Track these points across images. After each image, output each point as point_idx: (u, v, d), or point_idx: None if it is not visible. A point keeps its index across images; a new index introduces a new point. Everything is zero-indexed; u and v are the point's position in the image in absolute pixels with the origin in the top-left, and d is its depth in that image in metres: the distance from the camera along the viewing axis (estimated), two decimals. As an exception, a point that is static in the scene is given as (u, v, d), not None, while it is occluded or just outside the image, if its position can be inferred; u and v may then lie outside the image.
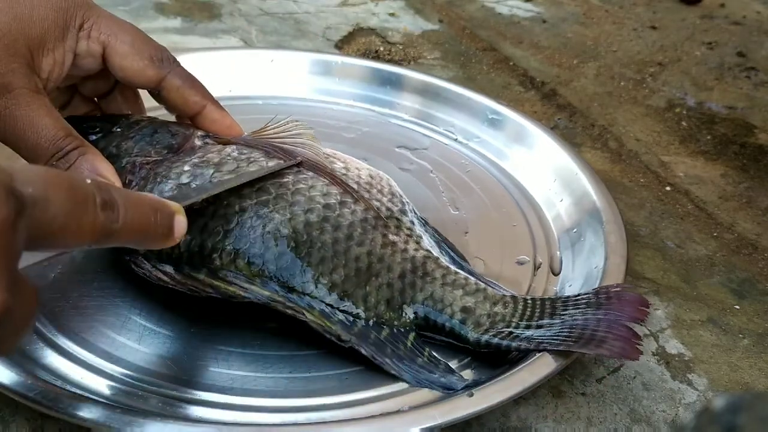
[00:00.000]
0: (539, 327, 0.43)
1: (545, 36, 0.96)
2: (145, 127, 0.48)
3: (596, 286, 0.47)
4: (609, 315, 0.43)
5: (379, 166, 0.61)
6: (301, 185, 0.45)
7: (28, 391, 0.37)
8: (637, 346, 0.41)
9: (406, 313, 0.44)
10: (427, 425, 0.37)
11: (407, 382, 0.42)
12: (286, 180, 0.45)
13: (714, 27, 1.01)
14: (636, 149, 0.72)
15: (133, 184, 0.45)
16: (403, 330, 0.44)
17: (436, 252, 0.47)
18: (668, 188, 0.67)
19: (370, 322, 0.43)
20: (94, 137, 0.48)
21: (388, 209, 0.47)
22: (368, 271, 0.44)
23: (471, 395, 0.39)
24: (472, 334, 0.43)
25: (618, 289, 0.45)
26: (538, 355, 0.42)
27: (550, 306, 0.44)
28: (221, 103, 0.50)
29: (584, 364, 0.47)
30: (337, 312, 0.43)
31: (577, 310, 0.44)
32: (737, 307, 0.54)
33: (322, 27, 0.92)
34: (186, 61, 0.50)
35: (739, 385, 0.47)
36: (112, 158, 0.46)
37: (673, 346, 0.50)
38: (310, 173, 0.46)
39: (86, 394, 0.39)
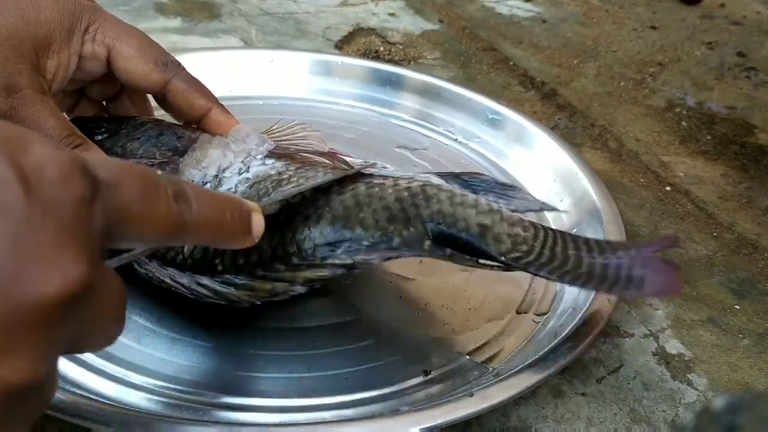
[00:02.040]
0: (566, 260, 0.40)
1: (545, 36, 0.96)
2: (151, 129, 0.48)
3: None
4: (641, 251, 0.39)
5: (379, 166, 0.61)
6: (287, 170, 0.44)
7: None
8: (677, 278, 0.38)
9: (415, 227, 0.41)
10: (427, 425, 0.37)
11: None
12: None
13: (714, 27, 1.01)
14: (636, 149, 0.72)
15: None
16: (416, 237, 0.41)
17: (436, 180, 0.43)
18: (668, 188, 0.67)
19: (376, 236, 0.41)
20: (99, 137, 0.48)
21: (372, 173, 0.44)
22: (357, 206, 0.41)
23: (471, 395, 0.39)
24: (493, 249, 0.40)
25: (639, 241, 0.42)
26: (537, 355, 0.42)
27: (572, 241, 0.41)
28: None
29: (584, 364, 0.47)
30: (337, 247, 0.41)
31: (604, 252, 0.40)
32: (737, 307, 0.54)
33: (322, 27, 0.92)
34: (186, 61, 0.50)
35: (739, 385, 0.47)
36: (117, 159, 0.46)
37: (673, 346, 0.50)
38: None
39: (86, 394, 0.39)
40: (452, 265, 0.51)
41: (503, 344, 0.46)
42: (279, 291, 0.42)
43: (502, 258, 0.40)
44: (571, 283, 0.40)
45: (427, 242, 0.41)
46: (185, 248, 0.42)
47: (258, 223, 0.34)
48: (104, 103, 0.52)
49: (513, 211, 0.43)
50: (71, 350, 0.25)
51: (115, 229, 0.26)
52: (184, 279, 0.42)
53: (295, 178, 0.44)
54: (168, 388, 0.41)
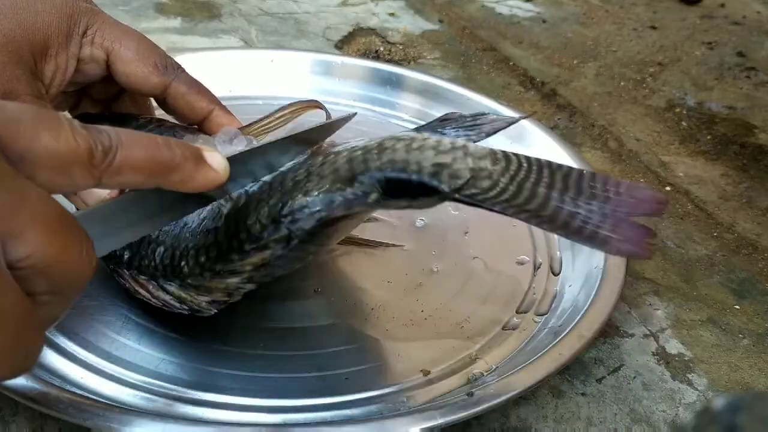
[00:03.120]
0: (533, 196, 0.36)
1: (545, 36, 0.96)
2: (152, 130, 0.48)
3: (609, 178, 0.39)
4: (617, 212, 0.36)
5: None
6: None
7: (28, 390, 0.37)
8: (649, 245, 0.35)
9: (360, 182, 0.37)
10: (427, 425, 0.37)
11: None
12: None
13: (714, 27, 1.01)
14: (636, 149, 0.72)
15: None
16: (360, 193, 0.37)
17: (404, 135, 0.40)
18: (668, 188, 0.67)
19: (317, 201, 0.38)
20: None
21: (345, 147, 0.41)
22: (307, 177, 0.39)
23: (471, 395, 0.39)
24: (445, 186, 0.36)
25: (631, 184, 0.38)
26: (537, 355, 0.42)
27: (548, 176, 0.37)
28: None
29: (584, 364, 0.47)
30: (282, 221, 0.38)
31: (580, 197, 0.37)
32: (737, 307, 0.54)
33: (322, 27, 0.92)
34: (186, 61, 0.50)
35: (739, 385, 0.47)
36: None
37: (673, 346, 0.50)
38: None
39: (86, 394, 0.39)
40: (452, 265, 0.52)
41: (503, 344, 0.46)
42: (231, 288, 0.41)
43: (456, 195, 0.36)
44: (527, 221, 0.37)
45: (374, 195, 0.37)
46: (155, 254, 0.42)
47: (215, 158, 0.32)
48: (106, 103, 0.52)
49: (487, 135, 0.42)
50: None
51: (18, 157, 0.25)
52: (150, 286, 0.42)
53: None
54: (168, 388, 0.41)
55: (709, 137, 0.76)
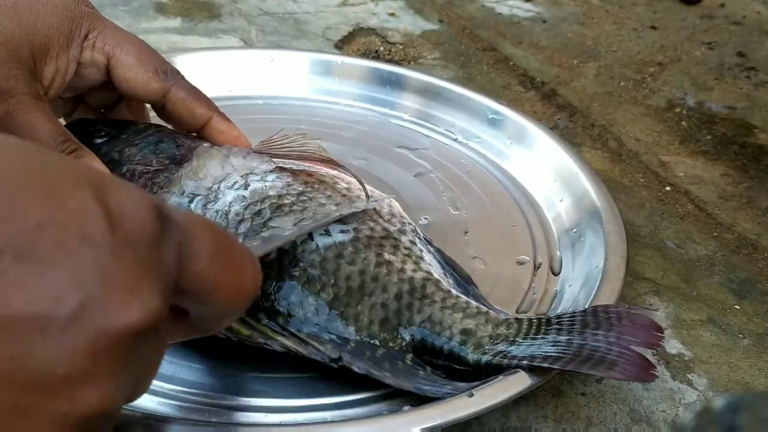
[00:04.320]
0: (545, 341, 0.41)
1: (545, 36, 0.96)
2: (151, 136, 0.48)
3: (606, 305, 0.43)
4: (621, 339, 0.40)
5: (378, 166, 0.61)
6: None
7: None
8: (651, 371, 0.39)
9: (401, 335, 0.41)
10: (427, 425, 0.37)
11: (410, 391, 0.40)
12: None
13: (714, 27, 1.01)
14: (636, 149, 0.72)
15: None
16: (398, 351, 0.41)
17: (437, 273, 0.44)
18: (668, 188, 0.67)
19: (363, 341, 0.41)
20: (98, 141, 0.47)
21: (384, 229, 0.44)
22: (360, 290, 0.41)
23: (471, 395, 0.39)
24: (472, 356, 0.41)
25: (630, 311, 0.42)
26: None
27: (556, 322, 0.42)
28: (221, 104, 0.50)
29: (584, 364, 0.47)
30: (326, 333, 0.41)
31: (587, 330, 0.41)
32: (737, 307, 0.54)
33: (322, 27, 0.92)
34: (186, 61, 0.50)
35: (739, 385, 0.47)
36: (114, 164, 0.46)
37: (673, 346, 0.50)
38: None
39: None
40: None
41: (503, 344, 0.46)
42: (256, 340, 0.41)
43: (478, 364, 0.41)
44: (541, 364, 0.40)
45: (409, 356, 0.41)
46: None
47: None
48: (102, 111, 0.52)
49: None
50: (132, 394, 0.25)
51: (189, 282, 0.26)
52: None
53: (297, 207, 0.43)
54: (167, 388, 0.41)
55: (709, 137, 0.76)
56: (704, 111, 0.81)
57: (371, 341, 0.41)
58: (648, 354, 0.40)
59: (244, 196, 0.43)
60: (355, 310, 0.41)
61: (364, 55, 0.86)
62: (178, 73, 0.48)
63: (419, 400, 0.40)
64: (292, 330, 0.40)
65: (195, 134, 0.49)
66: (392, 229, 0.45)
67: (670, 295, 0.54)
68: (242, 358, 0.43)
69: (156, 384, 0.41)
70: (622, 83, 0.85)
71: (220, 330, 0.34)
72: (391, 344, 0.41)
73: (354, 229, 0.43)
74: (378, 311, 0.41)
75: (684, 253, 0.59)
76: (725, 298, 0.55)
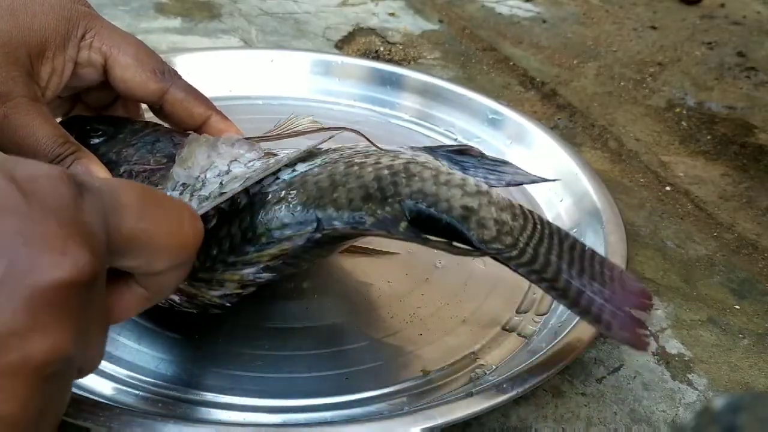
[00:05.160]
0: (547, 264, 0.38)
1: (545, 36, 0.96)
2: (149, 135, 0.48)
3: (604, 258, 0.41)
4: (613, 299, 0.38)
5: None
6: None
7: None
8: (644, 338, 0.38)
9: (391, 206, 0.38)
10: (427, 425, 0.37)
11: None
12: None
13: (714, 27, 1.01)
14: (636, 149, 0.72)
15: None
16: (391, 218, 0.38)
17: (424, 158, 0.41)
18: (668, 188, 0.67)
19: (346, 216, 0.38)
20: (96, 141, 0.47)
21: (356, 151, 0.43)
22: (332, 186, 0.39)
23: (471, 395, 0.39)
24: (475, 235, 0.37)
25: (623, 274, 0.40)
26: (538, 355, 0.42)
27: (557, 244, 0.39)
28: (221, 104, 0.50)
29: (584, 364, 0.47)
30: (308, 225, 0.39)
31: (584, 274, 0.38)
32: (737, 307, 0.54)
33: (322, 27, 0.92)
34: (186, 61, 0.50)
35: (739, 385, 0.47)
36: (112, 164, 0.46)
37: (673, 346, 0.50)
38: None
39: (86, 395, 0.39)
40: (452, 265, 0.52)
41: (503, 344, 0.46)
42: (246, 280, 0.41)
43: (483, 246, 0.37)
44: (547, 292, 0.38)
45: (403, 224, 0.38)
46: None
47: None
48: (98, 110, 0.52)
49: (507, 184, 0.42)
50: (86, 346, 0.27)
51: (118, 237, 0.28)
52: None
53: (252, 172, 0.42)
54: (168, 388, 0.41)
55: (709, 137, 0.76)
56: (704, 111, 0.81)
57: (356, 213, 0.39)
58: (639, 326, 0.38)
59: (222, 183, 0.43)
60: (331, 198, 0.39)
61: (364, 55, 0.86)
62: (176, 73, 0.48)
63: (419, 400, 0.40)
64: (275, 238, 0.40)
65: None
66: (366, 150, 0.43)
67: (670, 295, 0.54)
68: (243, 357, 0.43)
69: (155, 383, 0.41)
70: (622, 83, 0.85)
71: (172, 291, 0.36)
72: (380, 213, 0.38)
73: (321, 159, 0.42)
74: (357, 191, 0.39)
75: (684, 253, 0.59)
76: (725, 298, 0.55)
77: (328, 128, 0.46)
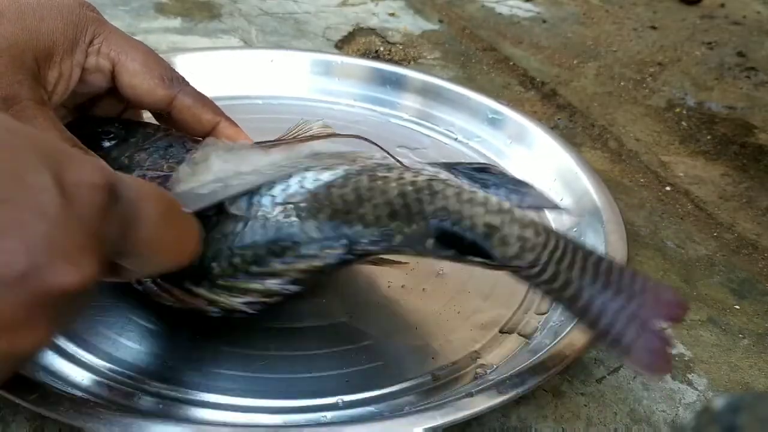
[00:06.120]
0: (567, 284, 0.38)
1: (545, 36, 0.96)
2: (161, 140, 0.47)
3: (634, 270, 0.41)
4: (642, 312, 0.38)
5: (379, 166, 0.61)
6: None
7: (28, 393, 0.37)
8: (667, 359, 0.37)
9: (417, 224, 0.39)
10: (428, 425, 0.37)
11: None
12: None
13: (714, 27, 1.01)
14: (636, 149, 0.72)
15: None
16: (418, 236, 0.39)
17: (445, 176, 0.42)
18: (668, 188, 0.67)
19: (376, 234, 0.39)
20: (108, 144, 0.47)
21: (377, 162, 0.43)
22: (358, 200, 0.40)
23: (471, 395, 0.39)
24: (498, 252, 0.38)
25: (654, 284, 0.39)
26: (538, 354, 0.42)
27: (581, 260, 0.39)
28: (221, 104, 0.50)
29: (584, 364, 0.47)
30: (335, 242, 0.40)
31: (608, 290, 0.38)
32: (737, 307, 0.54)
33: (322, 27, 0.92)
34: (186, 61, 0.50)
35: (739, 385, 0.47)
36: (124, 169, 0.45)
37: (673, 346, 0.50)
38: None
39: (86, 396, 0.39)
40: (452, 265, 0.52)
41: (503, 344, 0.46)
42: (273, 290, 0.41)
43: (506, 263, 0.39)
44: (566, 310, 0.39)
45: (430, 241, 0.39)
46: None
47: None
48: None
49: (528, 207, 0.42)
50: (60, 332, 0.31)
51: (131, 247, 0.31)
52: (176, 291, 0.41)
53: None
54: (169, 389, 0.41)
55: (709, 137, 0.76)
56: (704, 111, 0.81)
57: (385, 230, 0.39)
58: (665, 345, 0.37)
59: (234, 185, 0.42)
60: (358, 214, 0.40)
61: (364, 55, 0.86)
62: (184, 80, 0.48)
63: (421, 400, 0.41)
64: (302, 253, 0.40)
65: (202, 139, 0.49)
66: (385, 162, 0.43)
67: (670, 295, 0.54)
68: (243, 358, 0.43)
69: (156, 385, 0.41)
70: (622, 83, 0.85)
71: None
72: (407, 230, 0.39)
73: (344, 170, 0.42)
74: (383, 208, 0.40)
75: (684, 253, 0.59)
76: (725, 298, 0.55)
77: (340, 135, 0.46)
